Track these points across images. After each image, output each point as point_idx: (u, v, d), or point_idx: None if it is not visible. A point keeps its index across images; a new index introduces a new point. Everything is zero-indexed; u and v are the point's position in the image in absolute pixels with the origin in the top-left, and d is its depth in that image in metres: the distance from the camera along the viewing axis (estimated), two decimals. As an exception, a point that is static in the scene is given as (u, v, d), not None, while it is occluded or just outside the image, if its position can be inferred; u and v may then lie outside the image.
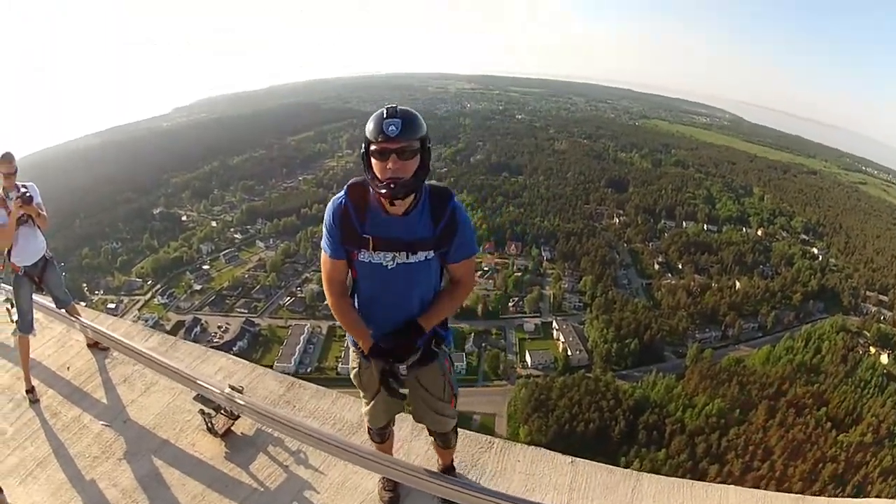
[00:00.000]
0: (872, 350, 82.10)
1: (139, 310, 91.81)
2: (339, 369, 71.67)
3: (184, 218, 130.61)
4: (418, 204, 3.52)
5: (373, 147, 3.26)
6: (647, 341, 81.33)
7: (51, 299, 7.94)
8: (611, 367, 77.18)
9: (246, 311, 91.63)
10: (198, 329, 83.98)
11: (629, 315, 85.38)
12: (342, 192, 3.55)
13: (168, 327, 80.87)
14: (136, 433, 6.26)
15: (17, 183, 6.90)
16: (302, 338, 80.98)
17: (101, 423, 6.52)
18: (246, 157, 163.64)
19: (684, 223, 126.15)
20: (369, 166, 3.34)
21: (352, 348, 4.08)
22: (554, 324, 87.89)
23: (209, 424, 5.80)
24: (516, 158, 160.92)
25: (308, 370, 74.51)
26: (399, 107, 3.27)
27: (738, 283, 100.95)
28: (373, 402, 4.21)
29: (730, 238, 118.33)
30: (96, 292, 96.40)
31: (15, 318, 9.72)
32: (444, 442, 4.54)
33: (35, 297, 7.61)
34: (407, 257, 3.54)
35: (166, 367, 6.32)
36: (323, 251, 3.68)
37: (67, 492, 5.59)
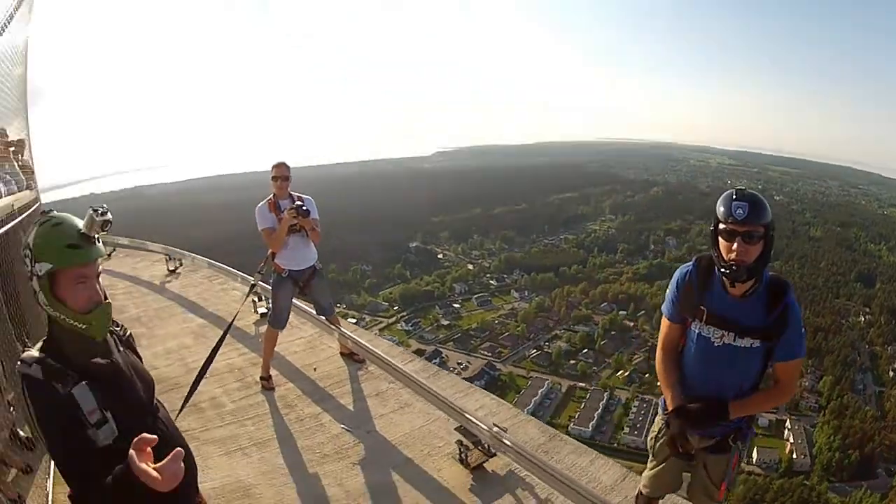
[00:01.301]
0: None
1: (380, 330, 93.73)
2: (569, 429, 70.10)
3: (440, 256, 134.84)
4: (757, 290, 3.40)
5: (721, 226, 3.28)
6: (867, 454, 75.78)
7: (311, 305, 8.21)
8: (828, 478, 72.41)
9: (489, 354, 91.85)
10: (437, 360, 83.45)
11: (857, 424, 79.56)
12: (691, 263, 3.63)
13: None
14: (379, 444, 6.26)
15: (293, 193, 7.24)
16: (540, 391, 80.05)
17: (342, 426, 6.57)
18: (509, 208, 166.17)
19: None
20: (716, 244, 3.35)
21: (659, 413, 4.00)
22: (787, 423, 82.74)
23: (463, 455, 5.75)
24: (775, 242, 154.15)
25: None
26: (747, 190, 3.28)
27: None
28: (659, 468, 4.05)
29: None
30: (339, 305, 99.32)
31: (260, 310, 10.05)
32: None
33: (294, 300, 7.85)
34: (734, 339, 3.44)
35: (434, 393, 6.35)
36: (664, 312, 3.80)
37: (282, 476, 5.67)
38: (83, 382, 2.25)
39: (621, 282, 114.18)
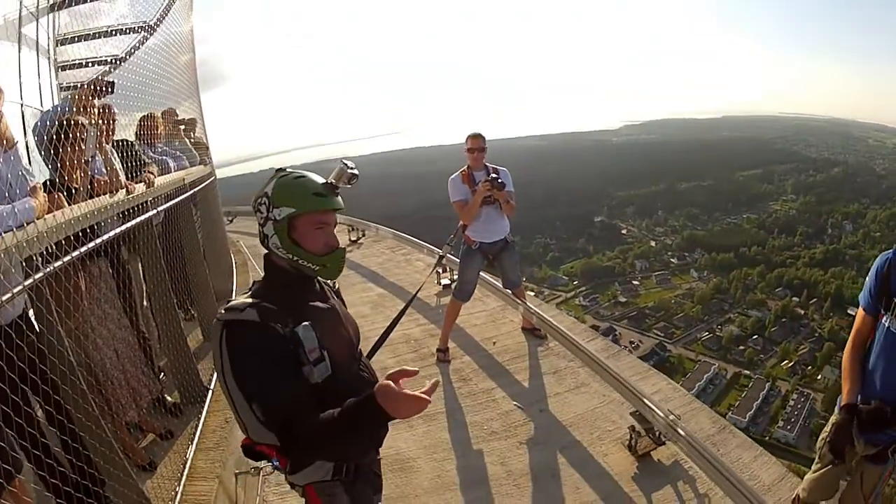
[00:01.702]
0: None
1: (557, 305, 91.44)
2: (727, 417, 68.36)
3: (623, 231, 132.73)
4: None
5: None
6: None
7: (497, 278, 8.29)
8: None
9: (662, 334, 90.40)
10: (610, 337, 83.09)
11: None
12: (892, 250, 3.39)
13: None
14: (550, 424, 6.24)
15: (489, 165, 7.21)
16: (706, 376, 78.15)
17: (515, 403, 6.59)
18: (693, 184, 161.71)
19: None
20: None
21: (835, 410, 3.69)
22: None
23: (633, 441, 5.63)
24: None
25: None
26: None
27: None
28: (820, 473, 3.90)
29: None
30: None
31: (444, 281, 10.10)
32: None
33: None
34: None
35: (611, 373, 6.26)
36: (860, 302, 3.56)
37: (444, 452, 5.79)
38: (306, 322, 2.41)
39: (797, 266, 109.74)
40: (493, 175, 7.00)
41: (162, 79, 7.22)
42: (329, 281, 2.92)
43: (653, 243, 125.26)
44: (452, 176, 7.21)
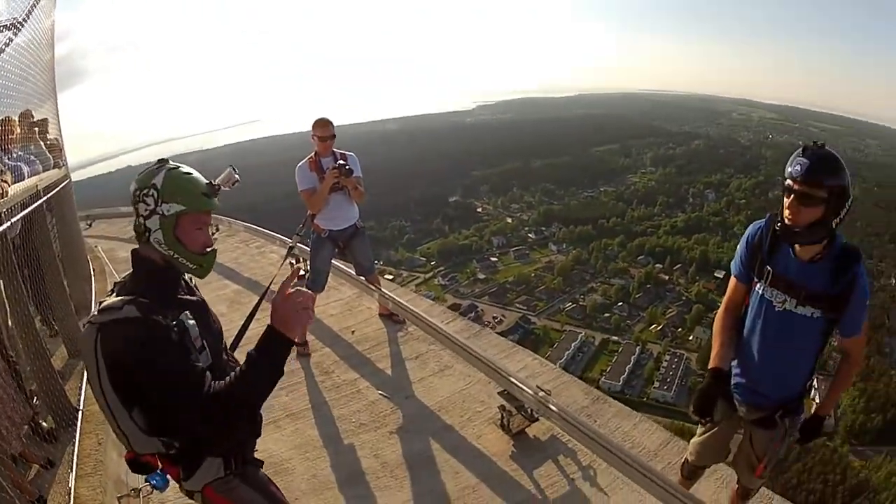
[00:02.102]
0: None
1: (417, 286, 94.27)
2: (600, 382, 70.29)
3: (479, 210, 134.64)
4: (826, 256, 3.26)
5: (786, 182, 3.12)
6: (890, 419, 75.32)
7: (350, 265, 8.17)
8: (850, 440, 72.24)
9: (525, 308, 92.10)
10: (473, 314, 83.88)
11: (882, 388, 79.08)
12: (763, 219, 3.45)
13: (444, 307, 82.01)
14: (418, 411, 6.25)
15: (337, 151, 7.05)
16: (573, 344, 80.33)
17: (380, 392, 6.56)
18: (548, 161, 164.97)
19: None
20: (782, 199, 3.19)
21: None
22: (814, 381, 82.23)
23: (505, 421, 5.67)
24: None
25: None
26: (817, 147, 3.07)
27: None
28: (707, 435, 4.05)
29: None
30: (377, 261, 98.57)
31: (301, 273, 9.93)
32: (745, 494, 4.26)
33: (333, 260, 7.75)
34: (795, 306, 3.33)
35: (476, 354, 6.23)
36: (731, 270, 3.67)
37: (315, 450, 5.67)
38: (186, 312, 2.54)
39: (658, 235, 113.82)
40: (341, 161, 6.92)
41: (26, 80, 6.92)
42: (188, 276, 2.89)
43: (509, 220, 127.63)
44: (300, 164, 7.07)
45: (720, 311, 3.73)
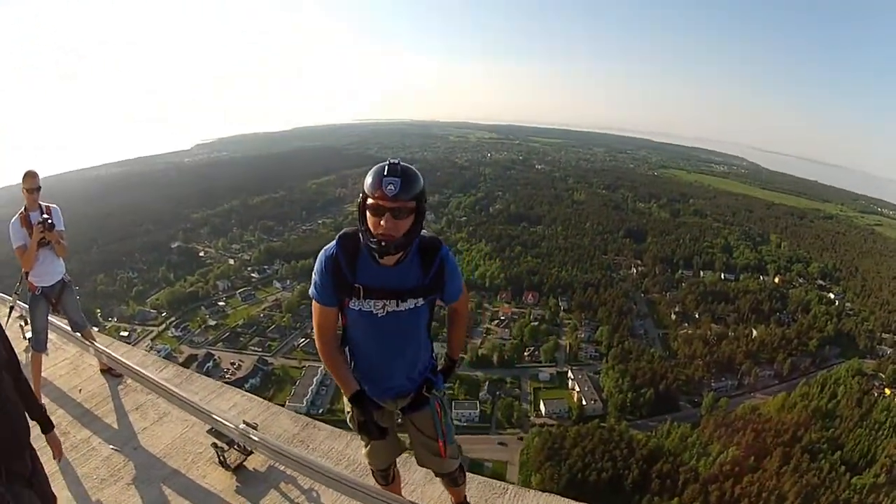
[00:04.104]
0: (888, 391, 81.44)
1: (152, 339, 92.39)
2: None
3: (201, 254, 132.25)
4: (408, 255, 3.51)
5: (369, 201, 3.30)
6: (663, 391, 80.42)
7: (66, 322, 7.93)
8: (625, 417, 76.23)
9: (260, 349, 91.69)
10: (210, 364, 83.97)
11: (645, 365, 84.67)
12: (333, 243, 3.57)
13: (181, 360, 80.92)
14: (146, 460, 6.24)
15: (42, 203, 6.97)
16: (315, 379, 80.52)
17: (111, 447, 6.50)
18: (266, 197, 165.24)
19: (702, 273, 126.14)
20: (364, 217, 3.38)
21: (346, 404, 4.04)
22: (569, 373, 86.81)
23: (221, 458, 5.82)
24: (535, 209, 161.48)
25: (320, 411, 73.75)
26: (401, 164, 3.30)
27: (754, 332, 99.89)
28: (368, 447, 4.28)
29: (747, 286, 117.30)
30: (110, 319, 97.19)
31: (29, 335, 9.75)
32: (452, 481, 4.56)
33: (51, 318, 7.64)
34: (397, 305, 3.57)
35: (181, 398, 6.35)
36: (314, 299, 3.68)
37: None
38: None
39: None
40: (45, 216, 6.85)
41: None
42: None
43: (231, 261, 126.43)
44: (12, 220, 6.87)
45: (319, 343, 3.80)
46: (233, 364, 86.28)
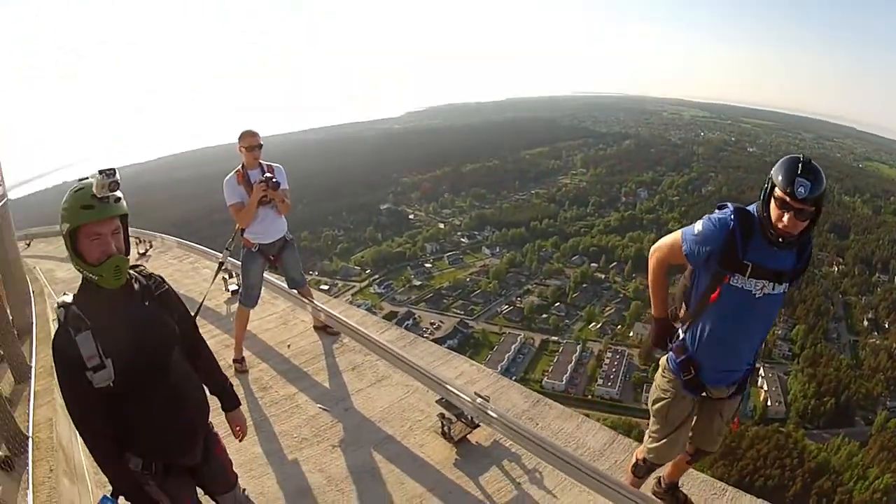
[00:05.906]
0: None
1: (353, 295, 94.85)
2: (543, 383, 71.38)
3: (411, 216, 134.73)
4: (796, 241, 3.39)
5: (777, 192, 3.19)
6: (843, 403, 76.45)
7: (283, 279, 7.99)
8: (804, 425, 73.03)
9: (462, 312, 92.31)
10: (410, 322, 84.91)
11: (832, 372, 79.80)
12: (729, 213, 3.43)
13: (380, 316, 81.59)
14: (358, 423, 6.12)
15: (263, 162, 6.95)
16: (513, 346, 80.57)
17: (319, 406, 6.45)
18: (479, 165, 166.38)
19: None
20: (767, 204, 3.29)
21: (669, 375, 3.91)
22: (761, 370, 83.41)
23: (446, 429, 5.58)
24: (746, 193, 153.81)
25: (513, 378, 73.09)
26: (812, 164, 3.18)
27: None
28: (667, 439, 4.00)
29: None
30: (312, 272, 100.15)
31: (231, 287, 9.80)
32: (695, 458, 4.36)
33: (265, 274, 7.65)
34: (773, 288, 3.44)
35: (411, 364, 6.14)
36: (682, 242, 3.61)
37: (260, 467, 5.50)
38: (87, 331, 2.63)
39: (592, 234, 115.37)
40: (268, 174, 6.80)
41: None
42: (152, 283, 3.06)
43: (441, 225, 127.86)
44: (227, 177, 6.88)
45: (657, 266, 3.81)
46: (432, 324, 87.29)
